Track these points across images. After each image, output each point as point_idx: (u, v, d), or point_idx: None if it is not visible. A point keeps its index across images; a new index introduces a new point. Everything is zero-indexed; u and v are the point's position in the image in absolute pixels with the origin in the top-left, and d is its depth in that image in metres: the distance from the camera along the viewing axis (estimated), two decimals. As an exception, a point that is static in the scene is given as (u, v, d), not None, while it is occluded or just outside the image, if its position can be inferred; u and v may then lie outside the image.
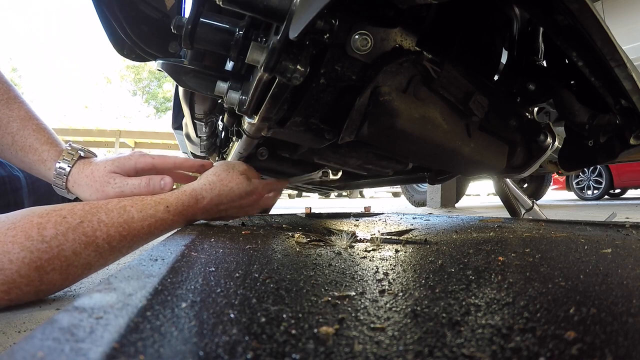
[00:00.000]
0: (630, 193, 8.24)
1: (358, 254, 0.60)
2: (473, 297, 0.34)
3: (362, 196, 16.58)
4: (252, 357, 0.22)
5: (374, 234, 0.86)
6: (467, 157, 0.72)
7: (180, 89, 1.21)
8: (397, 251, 0.62)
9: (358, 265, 0.50)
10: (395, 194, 15.88)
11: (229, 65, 0.87)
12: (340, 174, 1.02)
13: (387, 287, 0.38)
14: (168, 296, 0.31)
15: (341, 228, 0.98)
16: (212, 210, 0.84)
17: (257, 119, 0.67)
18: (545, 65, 0.77)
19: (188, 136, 1.73)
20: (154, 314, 0.27)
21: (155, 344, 0.23)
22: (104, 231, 0.66)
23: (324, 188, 1.62)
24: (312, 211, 1.69)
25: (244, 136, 0.87)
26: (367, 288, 0.38)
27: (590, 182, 7.18)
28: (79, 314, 0.26)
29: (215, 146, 1.65)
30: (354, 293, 0.36)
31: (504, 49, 0.79)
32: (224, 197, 0.84)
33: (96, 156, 0.86)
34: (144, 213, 0.71)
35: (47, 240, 0.61)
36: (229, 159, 1.26)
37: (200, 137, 1.60)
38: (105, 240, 0.66)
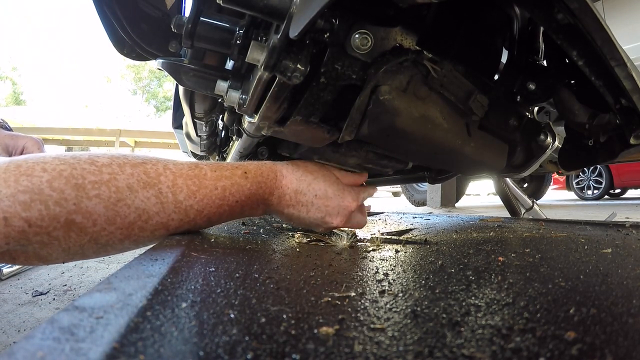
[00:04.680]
0: (631, 193, 8.24)
1: (358, 254, 0.60)
2: (473, 298, 0.34)
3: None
4: (252, 357, 0.22)
5: (374, 234, 0.86)
6: (467, 156, 0.72)
7: (181, 88, 1.21)
8: (397, 251, 0.62)
9: (358, 265, 0.50)
10: (395, 194, 15.85)
11: (229, 65, 0.87)
12: None
13: (387, 288, 0.38)
14: (168, 296, 0.31)
15: (342, 228, 0.98)
16: (290, 199, 0.69)
17: (257, 118, 0.67)
18: (545, 64, 0.76)
19: (188, 135, 1.73)
20: (154, 313, 0.27)
21: (155, 344, 0.23)
22: (169, 178, 0.56)
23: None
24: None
25: (244, 135, 0.87)
26: (367, 288, 0.38)
27: (590, 182, 7.18)
28: (79, 314, 0.26)
29: (216, 145, 1.65)
30: (354, 293, 0.36)
31: (504, 49, 0.78)
32: (305, 185, 0.70)
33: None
34: (218, 173, 0.62)
35: (97, 165, 0.51)
36: (229, 158, 1.26)
37: (200, 136, 1.60)
38: (170, 189, 0.56)
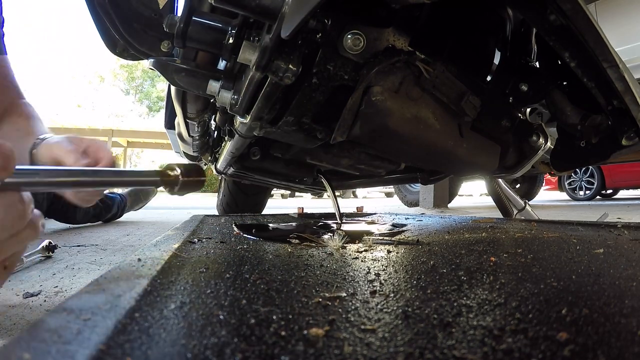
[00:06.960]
0: (622, 193, 8.30)
1: (350, 254, 0.59)
2: (465, 298, 0.34)
3: (355, 196, 16.58)
4: (240, 359, 0.21)
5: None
6: (459, 157, 0.72)
7: (173, 88, 1.20)
8: (389, 252, 0.61)
9: (350, 266, 0.50)
10: (388, 194, 15.88)
11: (222, 65, 0.87)
12: None
13: (378, 288, 0.38)
14: (157, 297, 0.31)
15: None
16: None
17: (249, 119, 0.66)
18: (537, 66, 0.77)
19: (180, 135, 1.72)
20: (142, 315, 0.27)
21: (142, 345, 0.22)
22: None
23: (316, 188, 1.62)
24: (305, 211, 1.69)
25: (236, 135, 0.87)
26: (359, 289, 0.38)
27: (582, 182, 7.22)
28: (67, 315, 0.26)
29: (208, 146, 1.65)
30: (345, 294, 0.36)
31: (496, 50, 0.79)
32: None
33: None
34: None
35: None
36: (222, 158, 1.26)
37: (192, 136, 1.59)
38: None
